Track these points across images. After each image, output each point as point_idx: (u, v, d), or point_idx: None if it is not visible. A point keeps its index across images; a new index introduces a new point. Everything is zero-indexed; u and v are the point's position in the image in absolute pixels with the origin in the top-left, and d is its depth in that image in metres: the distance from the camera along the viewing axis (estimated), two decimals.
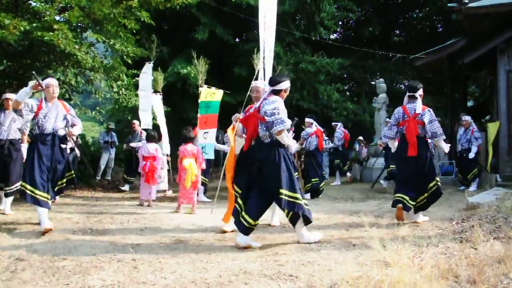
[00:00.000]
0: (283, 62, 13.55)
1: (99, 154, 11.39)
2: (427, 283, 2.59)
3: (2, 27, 6.70)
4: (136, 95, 9.31)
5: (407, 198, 4.99)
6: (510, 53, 9.26)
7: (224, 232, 4.71)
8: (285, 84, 4.17)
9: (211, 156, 7.63)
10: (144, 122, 8.68)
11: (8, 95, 6.02)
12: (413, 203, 5.03)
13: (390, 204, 7.06)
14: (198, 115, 8.11)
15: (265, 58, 9.13)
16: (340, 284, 2.74)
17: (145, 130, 8.40)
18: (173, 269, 3.21)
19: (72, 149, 9.23)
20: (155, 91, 9.05)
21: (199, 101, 8.22)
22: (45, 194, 4.68)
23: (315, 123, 8.61)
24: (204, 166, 6.87)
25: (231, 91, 13.11)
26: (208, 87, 8.49)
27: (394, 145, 5.54)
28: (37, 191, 4.63)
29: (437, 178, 5.22)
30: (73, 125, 5.07)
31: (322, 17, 14.87)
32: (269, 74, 8.28)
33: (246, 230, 3.93)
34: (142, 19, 8.78)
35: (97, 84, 10.16)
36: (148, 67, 8.88)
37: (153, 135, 7.54)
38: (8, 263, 3.34)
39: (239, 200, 4.13)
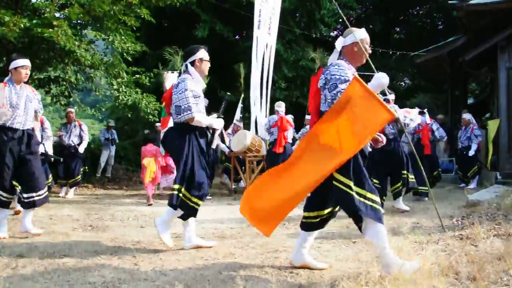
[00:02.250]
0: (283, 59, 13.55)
1: (99, 151, 11.41)
2: (428, 280, 2.60)
3: (2, 24, 6.70)
4: (136, 92, 9.35)
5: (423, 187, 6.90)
6: (510, 50, 9.24)
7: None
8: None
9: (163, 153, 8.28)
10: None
11: (23, 61, 4.30)
12: (426, 188, 6.68)
13: (389, 202, 7.08)
14: (162, 117, 8.65)
15: (258, 55, 9.24)
16: (340, 280, 2.74)
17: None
18: (173, 266, 3.21)
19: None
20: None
21: (162, 105, 8.81)
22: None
23: None
24: (163, 163, 7.42)
25: (231, 88, 13.10)
26: None
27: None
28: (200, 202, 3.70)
29: (439, 169, 7.97)
30: None
31: (323, 14, 14.83)
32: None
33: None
34: (142, 16, 8.77)
35: (97, 81, 10.17)
36: (172, 76, 9.10)
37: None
38: (8, 260, 3.34)
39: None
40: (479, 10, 9.12)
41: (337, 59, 3.04)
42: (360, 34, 3.11)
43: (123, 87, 9.17)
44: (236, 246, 3.84)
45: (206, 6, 13.21)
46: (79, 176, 7.93)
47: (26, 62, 4.29)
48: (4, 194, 4.21)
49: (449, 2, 9.63)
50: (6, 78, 4.29)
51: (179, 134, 3.70)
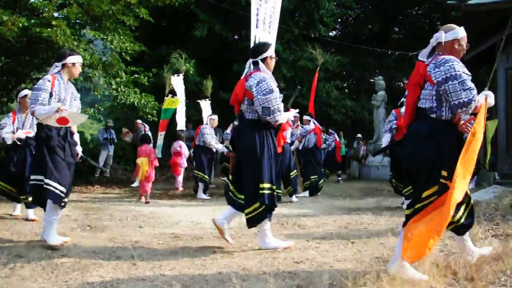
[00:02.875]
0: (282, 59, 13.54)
1: (97, 151, 11.39)
2: (426, 280, 2.60)
3: (0, 23, 6.68)
4: (135, 92, 9.37)
5: None
6: (509, 51, 9.25)
7: None
8: None
9: (159, 154, 8.86)
10: (180, 124, 9.57)
11: (80, 58, 4.15)
12: None
13: (388, 202, 7.10)
14: (160, 120, 9.38)
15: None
16: (339, 281, 2.74)
17: (179, 130, 9.35)
18: (172, 266, 3.21)
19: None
20: (205, 97, 10.31)
21: (162, 108, 9.54)
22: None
23: (313, 120, 8.61)
24: (157, 163, 7.72)
25: (230, 88, 13.07)
26: (172, 96, 9.70)
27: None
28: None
29: None
30: None
31: (321, 14, 14.85)
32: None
33: None
34: (140, 16, 8.77)
35: (95, 81, 10.15)
36: (178, 79, 9.62)
37: (180, 135, 8.80)
38: (7, 260, 3.34)
39: None
40: (477, 11, 9.12)
41: (439, 55, 2.93)
42: (462, 32, 3.04)
43: (122, 86, 9.17)
44: (235, 246, 3.85)
45: (205, 6, 13.21)
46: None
47: (74, 59, 4.07)
48: (61, 188, 3.77)
49: (448, 2, 9.64)
50: (55, 71, 4.00)
51: (257, 132, 3.67)
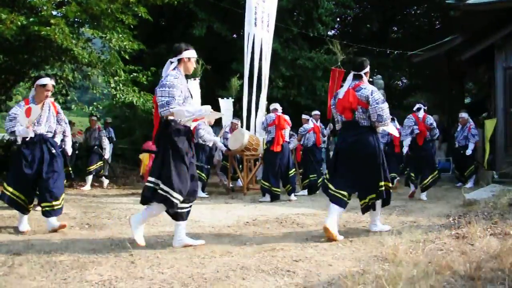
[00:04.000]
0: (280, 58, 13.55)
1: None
2: (424, 279, 2.61)
3: None
4: (134, 91, 9.37)
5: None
6: (507, 49, 9.27)
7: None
8: None
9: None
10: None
11: (190, 53, 3.86)
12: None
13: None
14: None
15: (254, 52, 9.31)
16: (337, 279, 2.74)
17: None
18: (170, 264, 3.21)
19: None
20: (227, 96, 10.61)
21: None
22: None
23: (311, 119, 8.60)
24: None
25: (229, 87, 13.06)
26: None
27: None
28: None
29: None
30: None
31: (320, 13, 14.82)
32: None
33: None
34: (139, 15, 8.76)
35: (94, 79, 10.14)
36: (194, 83, 9.70)
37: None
38: (5, 258, 3.33)
39: None
40: (475, 10, 9.13)
41: None
42: None
43: (121, 85, 9.16)
44: (233, 245, 3.85)
45: (204, 4, 13.19)
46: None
47: (191, 53, 3.85)
48: (177, 196, 3.60)
49: (446, 1, 9.64)
50: (172, 67, 3.76)
51: (373, 136, 4.19)
